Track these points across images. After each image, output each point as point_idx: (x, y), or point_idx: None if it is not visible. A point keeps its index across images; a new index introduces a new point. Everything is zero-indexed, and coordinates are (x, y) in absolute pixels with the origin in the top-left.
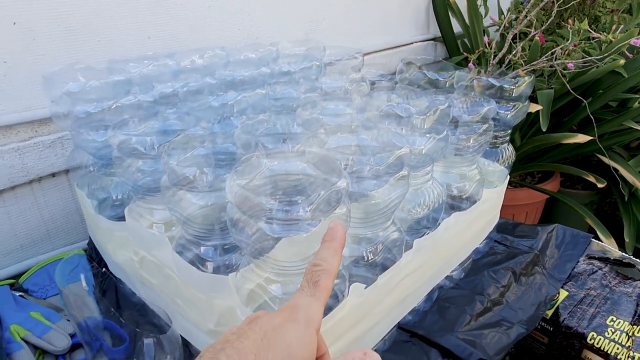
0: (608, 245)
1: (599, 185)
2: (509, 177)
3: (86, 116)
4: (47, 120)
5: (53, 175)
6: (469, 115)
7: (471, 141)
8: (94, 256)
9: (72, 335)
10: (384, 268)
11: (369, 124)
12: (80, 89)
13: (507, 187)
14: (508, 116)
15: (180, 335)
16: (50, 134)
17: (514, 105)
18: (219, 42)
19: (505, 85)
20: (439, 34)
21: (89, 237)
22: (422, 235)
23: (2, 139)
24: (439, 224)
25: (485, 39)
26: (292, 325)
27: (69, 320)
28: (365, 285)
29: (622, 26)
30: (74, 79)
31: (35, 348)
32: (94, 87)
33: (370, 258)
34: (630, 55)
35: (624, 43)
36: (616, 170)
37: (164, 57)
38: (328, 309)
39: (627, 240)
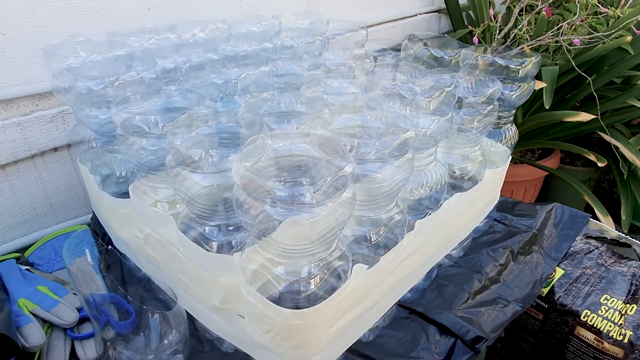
0: (605, 225)
1: (600, 165)
2: (510, 157)
3: (88, 92)
4: (48, 94)
5: (55, 149)
6: (474, 97)
7: (475, 122)
8: (98, 231)
9: (79, 309)
10: (387, 248)
11: (373, 103)
12: (81, 64)
13: None
14: (513, 97)
15: (185, 311)
16: (51, 107)
17: (520, 86)
18: (220, 14)
19: (512, 66)
20: (444, 6)
21: (93, 212)
22: (424, 216)
23: (4, 113)
24: (441, 204)
25: (491, 11)
26: None
27: (75, 294)
28: (367, 267)
29: (630, 0)
30: (74, 53)
31: (43, 321)
32: (95, 62)
33: (373, 239)
34: (638, 32)
35: (632, 19)
36: (616, 148)
37: (165, 31)
38: (331, 290)
39: (623, 217)
